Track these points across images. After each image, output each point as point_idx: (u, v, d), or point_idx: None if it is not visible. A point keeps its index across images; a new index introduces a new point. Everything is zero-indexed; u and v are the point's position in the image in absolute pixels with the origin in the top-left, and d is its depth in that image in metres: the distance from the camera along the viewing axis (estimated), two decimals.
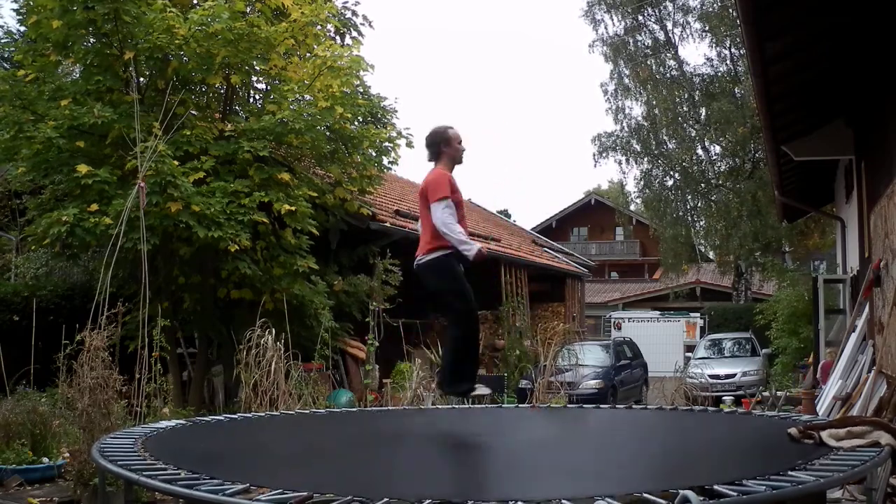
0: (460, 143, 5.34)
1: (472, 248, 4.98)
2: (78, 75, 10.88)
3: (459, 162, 5.36)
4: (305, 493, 2.96)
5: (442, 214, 4.94)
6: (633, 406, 8.21)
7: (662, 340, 24.25)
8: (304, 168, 11.40)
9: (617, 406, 7.83)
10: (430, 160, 5.29)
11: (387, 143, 11.97)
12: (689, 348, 22.84)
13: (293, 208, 9.82)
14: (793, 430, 4.05)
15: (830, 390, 8.60)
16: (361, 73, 11.45)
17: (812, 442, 3.89)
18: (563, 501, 2.75)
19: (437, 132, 5.29)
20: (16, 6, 10.39)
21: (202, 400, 10.42)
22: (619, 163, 27.62)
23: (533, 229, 32.99)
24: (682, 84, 26.35)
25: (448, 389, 5.11)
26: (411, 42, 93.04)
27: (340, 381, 11.77)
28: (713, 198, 26.58)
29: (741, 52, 22.01)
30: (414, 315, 13.70)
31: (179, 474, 3.41)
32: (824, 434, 3.88)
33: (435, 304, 4.98)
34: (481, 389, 5.18)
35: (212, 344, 11.12)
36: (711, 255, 31.00)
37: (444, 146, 5.26)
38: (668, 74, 26.61)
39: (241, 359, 7.81)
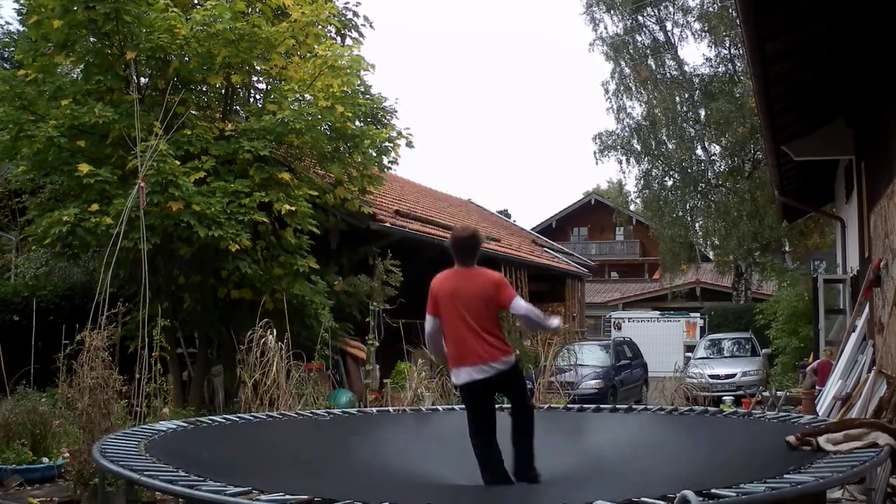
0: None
1: (554, 321, 5.13)
2: (78, 75, 10.88)
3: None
4: (306, 498, 2.96)
5: (527, 305, 4.90)
6: (634, 406, 8.20)
7: (662, 340, 24.20)
8: (304, 168, 11.39)
9: (617, 407, 7.83)
10: (464, 264, 4.92)
11: (387, 143, 11.97)
12: (689, 348, 22.81)
13: (293, 208, 9.82)
14: (790, 439, 4.05)
15: (830, 390, 8.61)
16: (362, 73, 11.46)
17: (810, 449, 3.89)
18: None
19: (476, 236, 5.04)
20: (16, 6, 10.33)
21: (202, 400, 10.41)
22: (620, 162, 27.64)
23: (533, 229, 32.95)
24: (682, 84, 26.34)
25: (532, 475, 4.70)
26: (412, 43, 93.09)
27: (340, 381, 11.77)
28: (712, 198, 26.55)
29: (741, 51, 22.00)
30: (414, 315, 13.67)
31: (179, 473, 3.41)
32: (821, 440, 3.88)
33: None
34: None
35: (212, 344, 11.11)
36: (711, 255, 30.98)
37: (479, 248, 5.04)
38: (667, 74, 26.61)
39: (242, 359, 7.81)
